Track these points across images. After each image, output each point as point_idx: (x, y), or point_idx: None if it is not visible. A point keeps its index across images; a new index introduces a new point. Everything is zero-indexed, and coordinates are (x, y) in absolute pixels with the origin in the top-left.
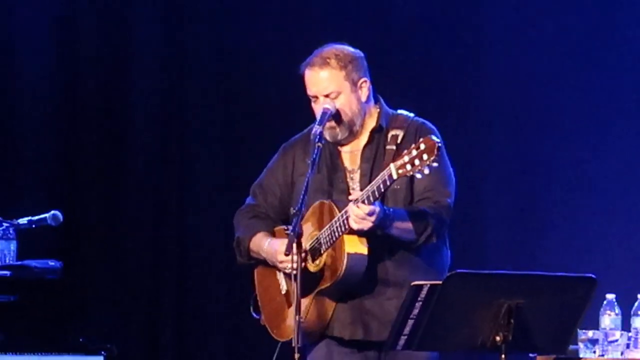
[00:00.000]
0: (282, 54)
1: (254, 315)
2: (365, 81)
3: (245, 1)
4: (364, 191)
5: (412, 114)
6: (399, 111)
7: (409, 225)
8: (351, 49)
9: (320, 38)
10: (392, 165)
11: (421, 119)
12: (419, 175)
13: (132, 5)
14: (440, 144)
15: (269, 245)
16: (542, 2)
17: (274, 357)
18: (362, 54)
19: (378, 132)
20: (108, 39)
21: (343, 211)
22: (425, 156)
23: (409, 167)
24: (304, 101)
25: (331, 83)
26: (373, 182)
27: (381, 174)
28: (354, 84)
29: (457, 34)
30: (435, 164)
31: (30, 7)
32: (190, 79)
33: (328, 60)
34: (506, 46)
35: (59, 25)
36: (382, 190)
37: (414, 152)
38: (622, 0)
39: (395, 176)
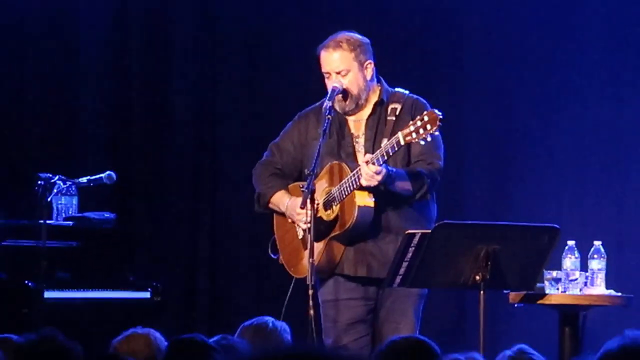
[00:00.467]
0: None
1: (272, 255)
2: (370, 63)
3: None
4: (374, 154)
5: (407, 91)
6: (396, 89)
7: (408, 183)
8: (360, 36)
9: (331, 30)
10: (400, 134)
11: (415, 95)
12: (422, 142)
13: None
14: (441, 117)
15: (290, 202)
16: None
17: (289, 292)
18: (368, 41)
19: (380, 105)
20: (153, 30)
21: (355, 171)
22: (428, 126)
23: (414, 135)
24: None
25: (342, 62)
26: (382, 147)
27: (390, 140)
28: (361, 64)
29: (442, 13)
30: (436, 133)
31: (91, 5)
32: (222, 64)
33: (340, 43)
34: (486, 24)
35: (115, 21)
36: (391, 154)
37: (419, 123)
38: None
39: (402, 142)
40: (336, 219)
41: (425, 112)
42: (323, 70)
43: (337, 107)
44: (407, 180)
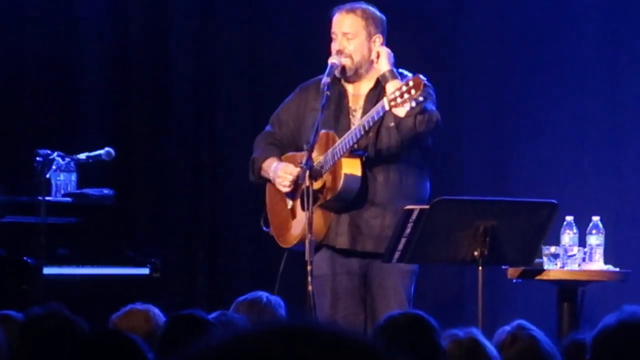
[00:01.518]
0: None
1: (264, 228)
2: (379, 37)
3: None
4: (362, 118)
5: (410, 73)
6: (400, 69)
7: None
8: (377, 10)
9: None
10: (384, 99)
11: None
12: (407, 107)
13: None
14: (425, 82)
15: (276, 166)
16: None
17: (281, 266)
18: (384, 17)
19: (381, 82)
20: (153, 10)
21: (343, 137)
22: (413, 91)
23: (399, 100)
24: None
25: (351, 26)
26: (369, 112)
27: (375, 106)
28: (369, 35)
29: None
30: (421, 99)
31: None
32: (222, 46)
33: (355, 9)
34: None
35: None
36: (376, 119)
37: (404, 88)
38: None
39: (387, 107)
40: (323, 186)
41: (409, 77)
42: (332, 30)
43: (336, 72)
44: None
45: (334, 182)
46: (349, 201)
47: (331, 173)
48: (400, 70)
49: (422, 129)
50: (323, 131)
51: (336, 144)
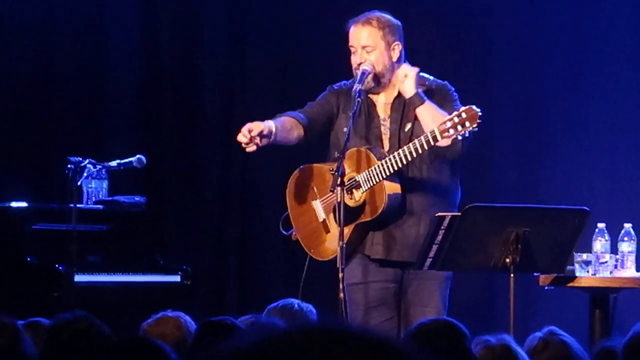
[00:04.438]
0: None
1: (283, 231)
2: (398, 44)
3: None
4: (410, 143)
5: (431, 77)
6: (421, 73)
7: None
8: (392, 17)
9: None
10: (436, 129)
11: (439, 80)
12: (459, 138)
13: None
14: (481, 114)
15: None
16: None
17: (304, 271)
18: (399, 23)
19: None
20: (183, 12)
21: (383, 160)
22: (467, 123)
23: (452, 131)
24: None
25: (369, 38)
26: (417, 140)
27: (425, 134)
28: (388, 44)
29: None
30: (476, 129)
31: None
32: (252, 57)
33: (371, 20)
34: (518, 14)
35: (144, 10)
36: (426, 147)
37: (456, 119)
38: None
39: (439, 138)
40: (362, 205)
41: (462, 109)
42: (350, 43)
43: (367, 81)
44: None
45: (375, 202)
46: (390, 217)
47: (372, 193)
48: (422, 74)
49: (456, 156)
50: (355, 148)
51: (376, 164)
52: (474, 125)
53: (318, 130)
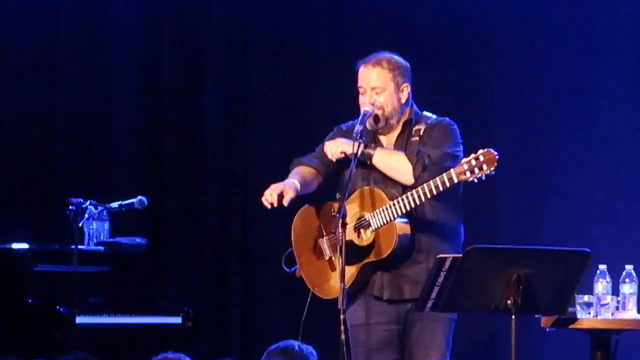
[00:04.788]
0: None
1: (286, 269)
2: (407, 86)
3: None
4: (425, 184)
5: (434, 115)
6: (424, 112)
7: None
8: (401, 59)
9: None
10: (452, 171)
11: (440, 117)
12: (475, 181)
13: (205, 11)
14: (498, 157)
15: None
16: None
17: (305, 310)
18: (408, 65)
19: (407, 125)
20: (184, 52)
21: (395, 200)
22: (484, 166)
23: (468, 174)
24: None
25: (379, 80)
26: (432, 181)
27: (441, 175)
28: (397, 86)
29: (474, 29)
30: (493, 173)
31: (121, 16)
32: (253, 73)
33: (381, 61)
34: (517, 45)
35: (146, 40)
36: (441, 189)
37: (473, 162)
38: None
39: (455, 180)
40: (371, 245)
41: (480, 152)
42: (359, 84)
43: (367, 126)
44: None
45: (386, 242)
46: (399, 257)
47: (382, 233)
48: (424, 112)
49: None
50: (364, 186)
51: (387, 205)
52: (492, 169)
53: (333, 173)
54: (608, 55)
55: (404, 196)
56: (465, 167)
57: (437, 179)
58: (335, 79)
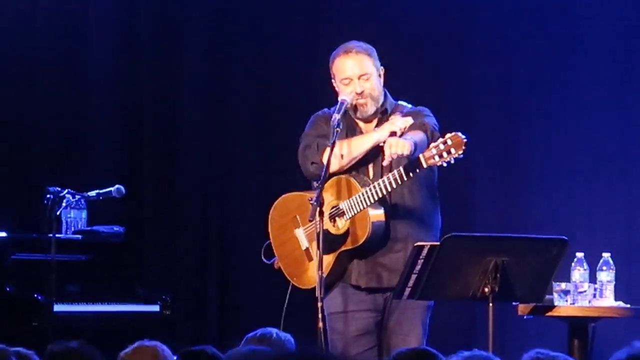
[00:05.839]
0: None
1: (265, 260)
2: (382, 68)
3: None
4: (395, 171)
5: (409, 105)
6: (400, 101)
7: (420, 143)
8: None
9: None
10: (421, 156)
11: (416, 107)
12: (444, 165)
13: (183, 11)
14: (466, 140)
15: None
16: None
17: (286, 301)
18: None
19: (383, 115)
20: (162, 38)
21: (367, 188)
22: (452, 150)
23: (437, 158)
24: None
25: (365, 66)
26: (401, 167)
27: (410, 161)
28: (377, 70)
29: (449, 17)
30: (461, 156)
31: (99, 18)
32: (231, 77)
33: (360, 49)
34: (495, 32)
35: (124, 28)
36: (411, 175)
37: (442, 146)
38: None
39: (425, 165)
40: (346, 233)
41: (448, 135)
42: (343, 76)
43: (359, 115)
44: (421, 140)
45: (359, 230)
46: (374, 245)
47: (356, 221)
48: (400, 101)
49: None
50: (337, 176)
51: (359, 192)
52: (460, 152)
53: None
54: (583, 44)
55: (375, 184)
56: (434, 151)
57: (406, 165)
58: (316, 77)
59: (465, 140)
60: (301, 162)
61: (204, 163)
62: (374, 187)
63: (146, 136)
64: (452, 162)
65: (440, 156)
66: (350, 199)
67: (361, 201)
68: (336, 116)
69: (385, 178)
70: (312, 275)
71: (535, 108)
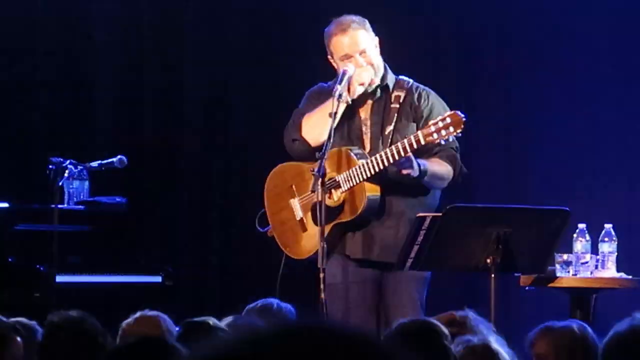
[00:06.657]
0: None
1: (259, 228)
2: (377, 39)
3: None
4: (393, 146)
5: (410, 80)
6: (400, 76)
7: (439, 175)
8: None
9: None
10: (419, 133)
11: (418, 84)
12: (442, 142)
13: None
14: (465, 119)
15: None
16: None
17: (280, 269)
18: None
19: (384, 91)
20: (165, 38)
21: (365, 161)
22: (451, 128)
23: (435, 135)
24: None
25: (365, 40)
26: (400, 142)
27: (409, 137)
28: (373, 41)
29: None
30: (460, 134)
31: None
32: (235, 68)
33: (357, 22)
34: (497, 12)
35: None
36: (409, 151)
37: (440, 124)
38: None
39: (422, 142)
40: (341, 205)
41: (447, 114)
42: (343, 53)
43: (367, 88)
44: (439, 173)
45: (354, 203)
46: (369, 218)
47: (352, 194)
48: (400, 76)
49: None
50: (336, 148)
51: (357, 166)
52: (458, 131)
53: None
54: (585, 24)
55: (372, 158)
56: (433, 128)
57: (405, 140)
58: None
59: (464, 119)
60: (285, 140)
61: (206, 132)
62: (372, 160)
63: (148, 105)
64: (450, 140)
65: (439, 133)
66: (348, 171)
67: (358, 174)
68: (338, 87)
69: (382, 153)
70: (305, 245)
71: (537, 78)
